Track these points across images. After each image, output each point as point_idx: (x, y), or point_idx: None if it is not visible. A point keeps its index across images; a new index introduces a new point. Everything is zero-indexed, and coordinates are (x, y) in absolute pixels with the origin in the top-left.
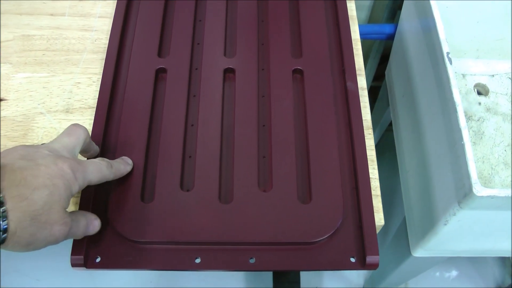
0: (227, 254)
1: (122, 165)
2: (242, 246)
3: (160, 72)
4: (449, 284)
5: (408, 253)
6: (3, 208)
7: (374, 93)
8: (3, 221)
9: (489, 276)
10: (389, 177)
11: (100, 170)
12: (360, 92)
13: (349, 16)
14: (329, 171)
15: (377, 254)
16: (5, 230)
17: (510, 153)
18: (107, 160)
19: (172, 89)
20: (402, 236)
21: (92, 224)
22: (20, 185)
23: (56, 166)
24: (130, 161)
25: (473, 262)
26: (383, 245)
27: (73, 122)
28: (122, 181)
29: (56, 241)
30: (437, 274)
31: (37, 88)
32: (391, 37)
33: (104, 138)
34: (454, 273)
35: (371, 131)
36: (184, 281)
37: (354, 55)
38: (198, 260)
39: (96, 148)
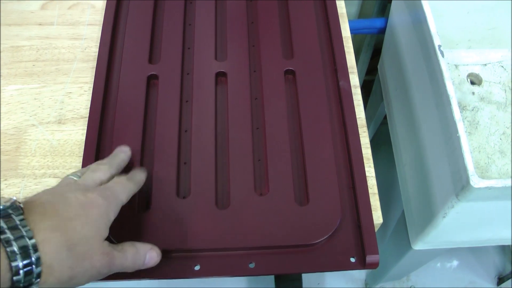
0: (227, 260)
1: (138, 174)
2: (241, 251)
3: (151, 79)
4: (450, 274)
5: (408, 246)
6: (32, 240)
7: (367, 87)
8: (34, 252)
9: (490, 265)
10: (385, 171)
11: (127, 187)
12: (353, 90)
13: (338, 14)
14: (325, 171)
15: (377, 253)
16: (38, 263)
17: (506, 141)
18: (124, 174)
19: (165, 95)
20: (401, 230)
21: (149, 255)
22: (53, 216)
23: (86, 197)
24: (142, 169)
25: (473, 252)
26: (383, 240)
27: (65, 133)
28: None
29: (98, 274)
30: (438, 265)
31: (28, 99)
32: (382, 31)
33: (98, 148)
34: (455, 263)
35: (365, 129)
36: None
37: (346, 53)
38: (197, 267)
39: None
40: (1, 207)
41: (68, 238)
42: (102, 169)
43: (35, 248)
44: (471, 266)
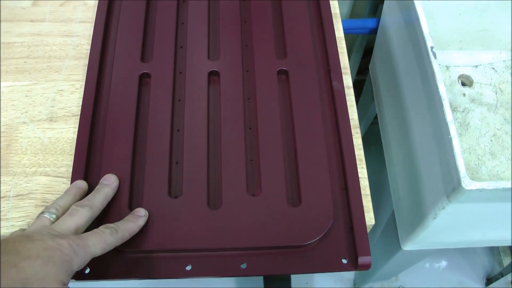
0: (218, 260)
1: (132, 222)
2: (232, 251)
3: (144, 77)
4: (439, 275)
5: (398, 246)
6: None
7: (358, 87)
8: None
9: (478, 265)
10: (376, 171)
11: (104, 240)
12: (346, 91)
13: (332, 14)
14: (318, 172)
15: (369, 254)
16: None
17: (497, 142)
18: (111, 225)
19: (157, 94)
20: (391, 230)
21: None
22: (10, 254)
23: (54, 241)
24: (143, 213)
25: (462, 252)
26: (373, 240)
27: (57, 131)
28: None
29: None
30: (427, 265)
31: (19, 97)
32: (373, 31)
33: (89, 147)
34: (443, 263)
35: (358, 130)
36: (174, 282)
37: (339, 53)
38: (189, 267)
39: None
40: None
41: (23, 276)
42: (80, 213)
43: None
44: (459, 267)
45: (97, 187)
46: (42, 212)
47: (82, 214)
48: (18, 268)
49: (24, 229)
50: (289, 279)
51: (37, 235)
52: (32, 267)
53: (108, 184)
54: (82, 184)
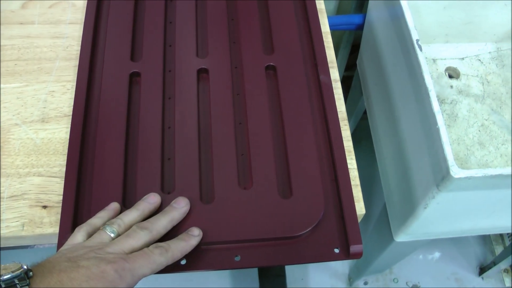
0: (212, 253)
1: (184, 242)
2: (226, 244)
3: (134, 76)
4: (433, 266)
5: (391, 238)
6: None
7: (347, 83)
8: None
9: (471, 255)
10: (367, 165)
11: (152, 261)
12: (334, 84)
13: (318, 10)
14: (308, 164)
15: (361, 243)
16: None
17: (485, 132)
18: (162, 244)
19: (147, 93)
20: (383, 223)
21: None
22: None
23: (98, 268)
24: (196, 232)
25: (455, 243)
26: (366, 233)
27: (49, 131)
28: (103, 188)
29: None
30: (420, 257)
31: (11, 99)
32: (360, 27)
33: (82, 146)
34: (437, 254)
35: (346, 122)
36: (171, 282)
37: (326, 48)
38: (183, 262)
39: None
40: (7, 277)
41: None
42: (138, 236)
43: None
44: (453, 257)
45: (166, 208)
46: (104, 227)
47: (140, 237)
48: None
49: (71, 249)
50: (284, 276)
51: (84, 261)
52: None
53: (177, 208)
54: (154, 199)
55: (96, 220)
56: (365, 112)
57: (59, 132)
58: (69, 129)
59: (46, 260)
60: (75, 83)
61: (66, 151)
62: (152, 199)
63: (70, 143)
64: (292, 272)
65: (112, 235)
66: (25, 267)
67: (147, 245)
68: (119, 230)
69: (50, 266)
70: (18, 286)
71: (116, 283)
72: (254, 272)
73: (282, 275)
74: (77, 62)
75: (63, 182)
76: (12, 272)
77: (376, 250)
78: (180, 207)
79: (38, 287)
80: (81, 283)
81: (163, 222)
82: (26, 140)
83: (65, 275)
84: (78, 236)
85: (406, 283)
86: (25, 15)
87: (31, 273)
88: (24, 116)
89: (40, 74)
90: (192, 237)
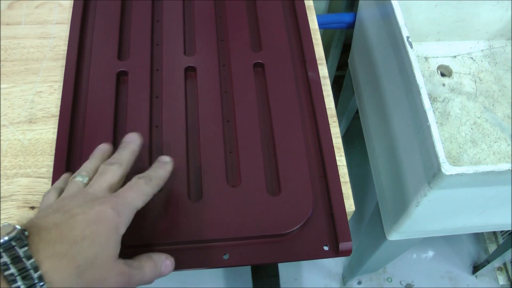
0: (201, 252)
1: (161, 169)
2: (214, 243)
3: (121, 75)
4: (426, 265)
5: (383, 237)
6: (38, 272)
7: (338, 82)
8: (40, 286)
9: (465, 254)
10: (361, 164)
11: (141, 192)
12: (322, 81)
13: (306, 7)
14: (297, 161)
15: (350, 240)
16: None
17: (477, 130)
18: (143, 174)
19: (135, 92)
20: (376, 222)
21: (164, 264)
22: (58, 242)
23: (94, 210)
24: (166, 159)
25: (448, 241)
26: (358, 232)
27: (36, 132)
28: None
29: None
30: (414, 256)
31: None
32: (351, 26)
33: (69, 146)
34: (430, 253)
35: (335, 119)
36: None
37: (314, 44)
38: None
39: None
40: (3, 240)
41: (76, 264)
42: (111, 171)
43: (42, 280)
44: (446, 256)
45: (121, 145)
46: (74, 177)
47: (114, 172)
48: (69, 258)
49: (56, 204)
50: (277, 276)
51: (76, 208)
52: (82, 252)
53: (131, 141)
54: (106, 146)
55: (60, 182)
56: (357, 112)
57: (47, 133)
58: (56, 130)
59: (33, 220)
60: (62, 83)
61: (53, 151)
62: (103, 147)
63: (57, 143)
64: (285, 272)
65: (85, 180)
66: (18, 227)
67: (123, 178)
68: (89, 175)
69: (42, 222)
70: (16, 248)
71: (116, 220)
72: (248, 272)
73: (275, 275)
74: (64, 62)
75: (50, 182)
76: (7, 234)
77: (369, 249)
78: (134, 140)
79: (38, 244)
80: (83, 229)
81: (127, 154)
82: (13, 141)
83: (63, 226)
84: (50, 195)
85: (400, 282)
86: (11, 16)
87: (26, 232)
88: (11, 117)
89: (27, 74)
90: (166, 164)
